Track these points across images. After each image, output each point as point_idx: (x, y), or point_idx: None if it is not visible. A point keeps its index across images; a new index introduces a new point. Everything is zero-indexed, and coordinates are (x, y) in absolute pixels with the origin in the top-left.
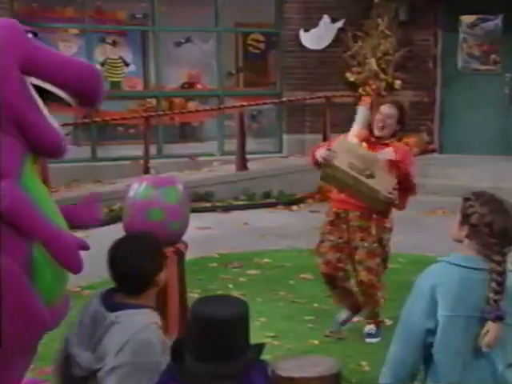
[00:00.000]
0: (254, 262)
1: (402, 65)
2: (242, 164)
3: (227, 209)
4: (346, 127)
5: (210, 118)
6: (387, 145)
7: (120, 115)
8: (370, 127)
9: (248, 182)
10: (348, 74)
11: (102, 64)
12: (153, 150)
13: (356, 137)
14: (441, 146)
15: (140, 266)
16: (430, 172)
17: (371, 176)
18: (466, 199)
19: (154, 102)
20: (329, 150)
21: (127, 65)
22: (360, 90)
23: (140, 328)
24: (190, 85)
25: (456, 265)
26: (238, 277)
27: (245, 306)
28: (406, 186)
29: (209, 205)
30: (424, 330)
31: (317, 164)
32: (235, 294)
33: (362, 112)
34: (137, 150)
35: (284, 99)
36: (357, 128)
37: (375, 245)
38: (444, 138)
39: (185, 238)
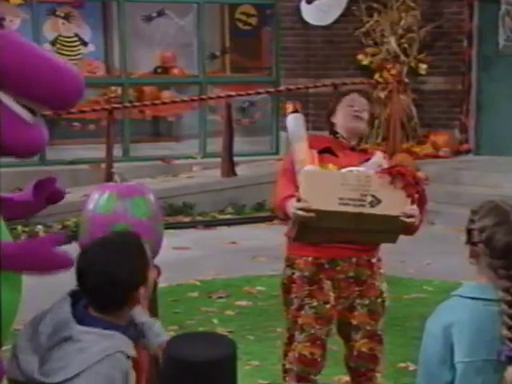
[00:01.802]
0: (245, 290)
1: (428, 44)
2: (229, 168)
3: (211, 224)
4: None
5: (190, 110)
6: (366, 151)
7: (76, 107)
8: (332, 132)
9: (237, 190)
10: (361, 57)
11: (53, 43)
12: (117, 150)
13: (310, 159)
14: (477, 146)
15: (115, 278)
16: (464, 178)
17: (376, 201)
18: (472, 212)
19: (118, 90)
20: (298, 199)
21: (85, 44)
22: (376, 77)
23: (99, 359)
24: (164, 69)
25: (468, 298)
26: (224, 309)
27: (232, 347)
28: (415, 198)
29: (188, 219)
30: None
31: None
32: (221, 331)
33: (297, 121)
34: (97, 151)
35: (281, 88)
36: (303, 145)
37: (379, 300)
38: (481, 135)
39: (157, 261)
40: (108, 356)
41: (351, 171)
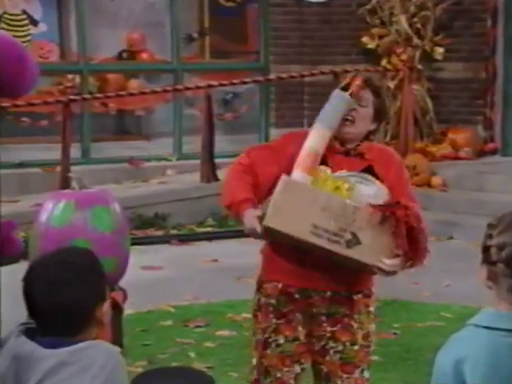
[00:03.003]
0: (227, 317)
1: (445, 24)
2: (210, 172)
3: (188, 239)
4: None
5: (162, 103)
6: (363, 156)
7: (25, 99)
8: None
9: (218, 198)
10: (366, 39)
11: None
12: (75, 151)
13: (312, 159)
14: (504, 145)
15: (70, 297)
16: (489, 183)
17: (355, 241)
18: (489, 226)
19: (76, 79)
20: (260, 218)
21: (34, 23)
22: (384, 63)
23: (108, 358)
24: (131, 54)
25: (484, 327)
26: (202, 340)
27: None
28: (412, 238)
29: (160, 233)
30: None
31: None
32: (198, 366)
33: (340, 103)
34: (51, 152)
35: (271, 76)
36: (324, 137)
37: (356, 347)
38: (509, 132)
39: (123, 283)
40: (113, 354)
41: (344, 177)
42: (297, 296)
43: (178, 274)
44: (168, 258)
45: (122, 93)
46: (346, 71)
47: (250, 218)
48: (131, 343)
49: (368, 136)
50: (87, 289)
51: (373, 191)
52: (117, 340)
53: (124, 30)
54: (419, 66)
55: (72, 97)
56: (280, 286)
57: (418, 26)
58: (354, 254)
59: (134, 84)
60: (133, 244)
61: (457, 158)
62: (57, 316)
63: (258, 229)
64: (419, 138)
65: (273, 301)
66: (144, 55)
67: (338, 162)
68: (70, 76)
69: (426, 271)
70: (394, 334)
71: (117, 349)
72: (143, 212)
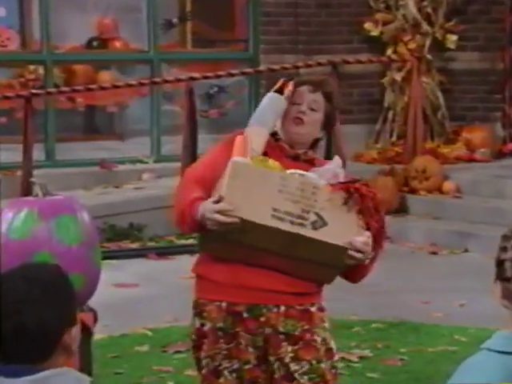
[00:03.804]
0: None
1: (459, 9)
2: None
3: (167, 252)
4: (365, 112)
5: (138, 98)
6: (312, 162)
7: None
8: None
9: None
10: (369, 25)
11: None
12: (38, 152)
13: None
14: None
15: (36, 319)
16: (509, 189)
17: (321, 222)
18: (503, 238)
19: (39, 70)
20: (218, 200)
21: None
22: (389, 52)
23: None
24: (102, 42)
25: (497, 352)
26: (183, 368)
27: None
28: (372, 228)
29: (135, 246)
30: None
31: (201, 229)
32: None
33: (272, 103)
34: (10, 153)
35: (262, 68)
36: (261, 137)
37: (323, 364)
38: None
39: (93, 302)
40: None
41: (295, 174)
42: (246, 315)
43: (156, 293)
44: (145, 275)
45: (92, 86)
46: (347, 62)
47: (209, 207)
48: (102, 371)
49: (314, 144)
50: (55, 310)
51: (328, 174)
52: (86, 368)
53: (94, 15)
54: (429, 56)
55: (34, 91)
56: (224, 305)
57: (428, 10)
58: (321, 235)
59: (106, 76)
60: (104, 258)
61: (472, 160)
62: (20, 340)
63: (221, 218)
64: (429, 137)
65: (220, 324)
66: (117, 43)
67: (286, 165)
68: (32, 67)
69: (437, 288)
70: (401, 360)
71: (86, 378)
72: (116, 222)
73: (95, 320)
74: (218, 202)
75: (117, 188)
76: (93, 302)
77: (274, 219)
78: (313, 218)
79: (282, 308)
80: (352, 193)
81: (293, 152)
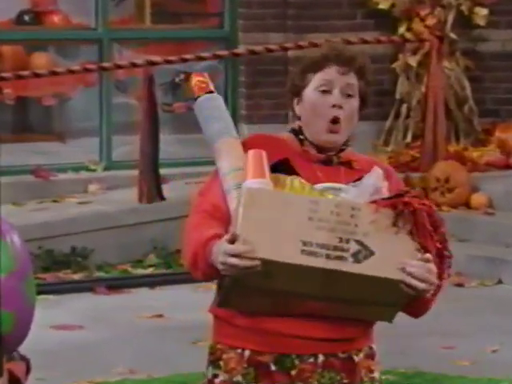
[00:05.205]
0: None
1: None
2: (152, 188)
3: (120, 285)
4: (372, 106)
5: (82, 88)
6: (350, 165)
7: None
8: (296, 133)
9: (164, 226)
10: None
11: None
12: None
13: (253, 167)
14: None
15: None
16: None
17: (365, 252)
18: None
19: None
20: (232, 237)
21: None
22: (401, 30)
23: None
24: (37, 17)
25: None
26: None
27: None
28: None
29: (79, 277)
30: None
31: (218, 275)
32: None
33: (215, 105)
34: None
35: (240, 49)
36: (232, 143)
37: None
38: None
39: (24, 348)
40: None
41: (326, 190)
42: (273, 367)
43: (105, 337)
44: (91, 313)
45: (24, 73)
46: (348, 42)
47: (222, 248)
48: None
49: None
50: None
51: (367, 190)
52: None
53: None
54: (453, 35)
55: None
56: (247, 354)
57: None
58: (367, 269)
59: (41, 59)
60: (40, 293)
61: (508, 167)
62: None
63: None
64: (454, 137)
65: (239, 378)
66: (55, 18)
67: (315, 174)
68: None
69: (464, 331)
70: None
71: None
72: (55, 246)
73: (28, 371)
74: (232, 240)
75: (56, 203)
76: (25, 347)
77: (304, 255)
78: (354, 247)
79: (321, 358)
80: (401, 209)
81: (323, 156)
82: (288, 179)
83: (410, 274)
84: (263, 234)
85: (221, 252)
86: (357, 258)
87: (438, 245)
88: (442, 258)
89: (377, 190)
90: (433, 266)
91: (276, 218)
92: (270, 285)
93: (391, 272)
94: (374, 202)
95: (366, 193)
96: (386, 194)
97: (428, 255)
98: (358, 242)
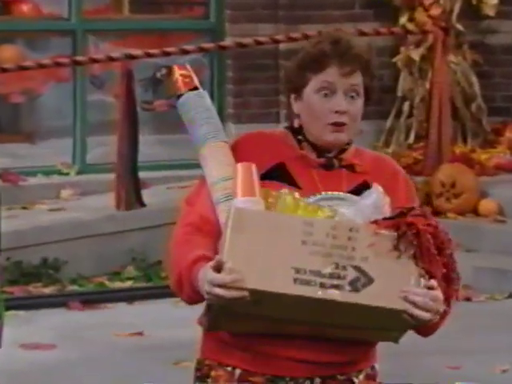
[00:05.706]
0: None
1: None
2: (131, 194)
3: (95, 300)
4: (371, 104)
5: (54, 84)
6: (353, 168)
7: None
8: (295, 130)
9: (144, 235)
10: None
11: None
12: None
13: (244, 178)
14: None
15: None
16: None
17: (364, 279)
18: None
19: None
20: (218, 264)
21: None
22: (403, 21)
23: None
24: (4, 6)
25: None
26: None
27: None
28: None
29: (50, 290)
30: None
31: (202, 299)
32: None
33: (202, 103)
34: None
35: (227, 42)
36: (221, 148)
37: None
38: None
39: None
40: None
41: (324, 201)
42: None
43: (79, 357)
44: (64, 331)
45: None
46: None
47: (208, 277)
48: None
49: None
50: None
51: (367, 209)
52: None
53: None
54: (459, 26)
55: None
56: (238, 373)
57: None
58: (366, 298)
59: (8, 53)
60: (8, 308)
61: None
62: None
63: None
64: (460, 138)
65: None
66: (24, 8)
67: (313, 181)
68: None
69: (471, 348)
70: None
71: None
72: (24, 257)
73: None
74: (218, 268)
75: (25, 210)
76: None
77: (297, 285)
78: (352, 274)
79: (317, 380)
80: (404, 231)
81: (323, 160)
82: (281, 194)
83: (413, 304)
84: (252, 260)
85: (206, 281)
86: (355, 286)
87: (444, 270)
88: (449, 282)
89: (376, 207)
90: (438, 293)
91: (266, 242)
92: (261, 312)
93: (392, 301)
94: (375, 221)
95: (365, 213)
96: (387, 211)
97: (433, 282)
98: (356, 268)
